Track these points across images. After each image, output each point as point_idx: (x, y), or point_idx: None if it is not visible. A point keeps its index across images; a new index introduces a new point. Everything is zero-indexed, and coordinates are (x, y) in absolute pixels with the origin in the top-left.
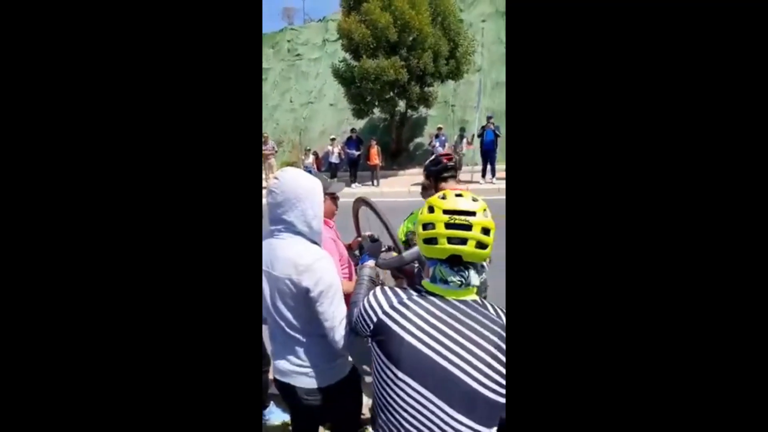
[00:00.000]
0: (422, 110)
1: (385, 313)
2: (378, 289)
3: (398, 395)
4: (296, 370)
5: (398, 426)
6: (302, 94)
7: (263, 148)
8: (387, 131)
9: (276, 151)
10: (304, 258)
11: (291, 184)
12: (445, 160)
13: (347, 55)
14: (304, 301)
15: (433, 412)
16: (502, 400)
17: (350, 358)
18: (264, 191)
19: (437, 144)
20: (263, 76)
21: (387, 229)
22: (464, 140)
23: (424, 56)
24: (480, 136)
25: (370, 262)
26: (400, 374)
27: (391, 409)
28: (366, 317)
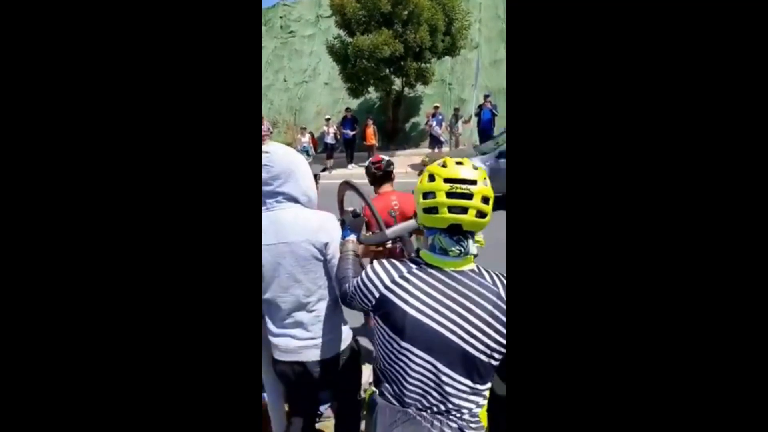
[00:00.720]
0: (419, 89)
1: (387, 287)
2: (376, 263)
3: (403, 362)
4: (304, 345)
5: (403, 387)
6: (296, 72)
7: None
8: (383, 110)
9: (271, 132)
10: (314, 219)
11: (282, 157)
12: (374, 169)
13: (341, 32)
14: (322, 260)
15: (435, 375)
16: (495, 363)
17: (349, 327)
18: None
19: (434, 123)
20: None
21: (372, 212)
22: (460, 120)
23: (421, 30)
24: (477, 114)
25: (352, 237)
26: (404, 344)
27: (396, 375)
28: (367, 292)
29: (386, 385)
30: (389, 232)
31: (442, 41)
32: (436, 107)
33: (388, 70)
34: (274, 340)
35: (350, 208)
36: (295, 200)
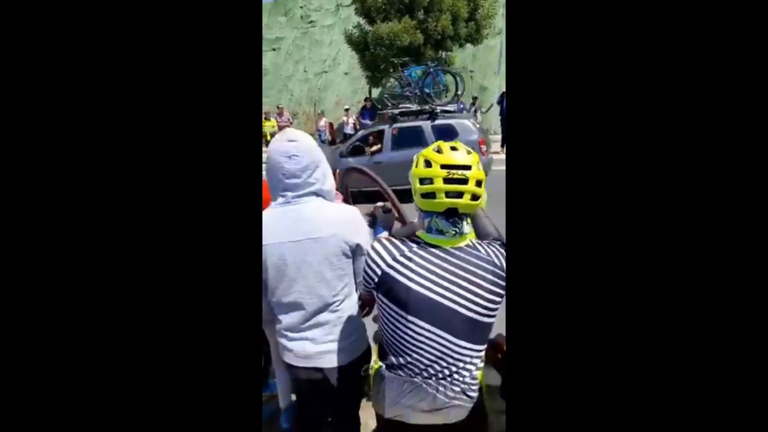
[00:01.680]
0: None
1: (389, 266)
2: (377, 243)
3: (409, 335)
4: (326, 349)
5: (408, 357)
6: (316, 63)
7: (278, 120)
8: None
9: (291, 123)
10: (342, 214)
11: (310, 145)
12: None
13: (361, 20)
14: (351, 255)
15: (439, 343)
16: (492, 321)
17: (367, 339)
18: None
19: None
20: (277, 46)
21: (392, 201)
22: (478, 110)
23: (442, 18)
24: (500, 103)
25: (384, 234)
26: (409, 317)
27: (402, 347)
28: (370, 271)
29: (392, 358)
30: (417, 223)
31: (465, 27)
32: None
33: (407, 59)
34: (289, 344)
35: (380, 204)
36: (318, 193)
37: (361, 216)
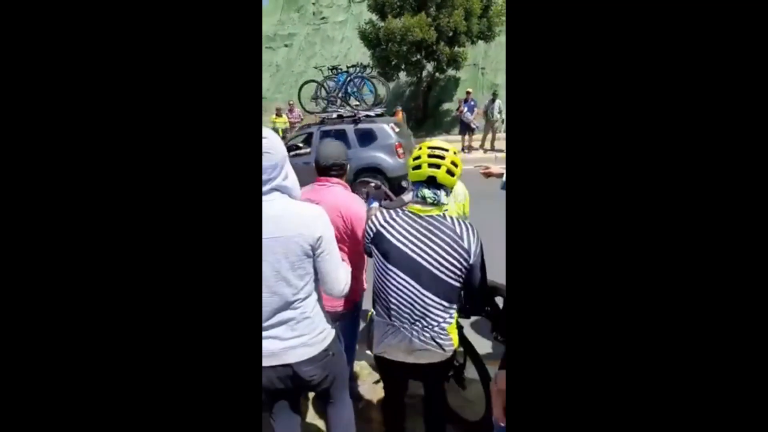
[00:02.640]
0: (450, 73)
1: (381, 225)
2: (377, 211)
3: (388, 281)
4: (290, 345)
5: (389, 303)
6: (327, 59)
7: (289, 116)
8: (413, 96)
9: (302, 119)
10: (307, 212)
11: (279, 143)
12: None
13: (373, 16)
14: (314, 254)
15: (410, 291)
16: (457, 284)
17: (333, 330)
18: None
19: (466, 109)
20: (289, 42)
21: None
22: (497, 103)
23: (455, 14)
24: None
25: (375, 204)
26: (389, 266)
27: (384, 291)
28: (368, 230)
29: (378, 304)
30: (407, 198)
31: (478, 24)
32: (468, 92)
33: (419, 55)
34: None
35: (372, 183)
36: (286, 191)
37: (326, 214)
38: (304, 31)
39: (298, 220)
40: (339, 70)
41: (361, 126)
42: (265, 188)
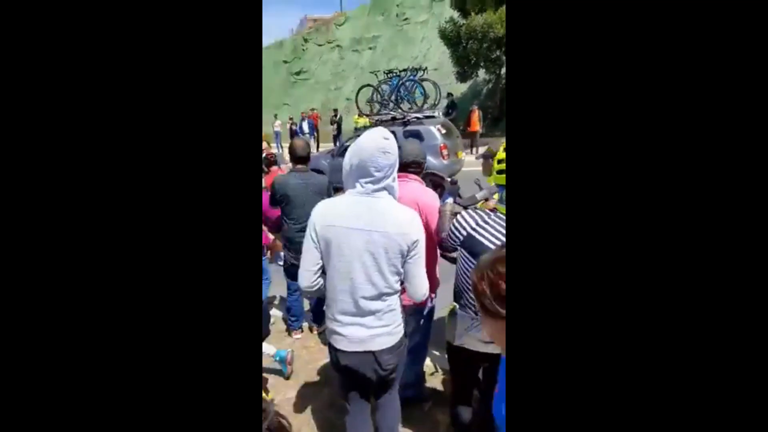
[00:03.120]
0: None
1: (473, 228)
2: (464, 212)
3: None
4: (376, 333)
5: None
6: (407, 60)
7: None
8: (490, 95)
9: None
10: (405, 213)
11: (395, 146)
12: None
13: (455, 14)
14: (408, 255)
15: None
16: None
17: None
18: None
19: None
20: (373, 45)
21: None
22: None
23: None
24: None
25: (450, 200)
26: None
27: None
28: (457, 232)
29: (463, 299)
30: (478, 195)
31: None
32: None
33: (498, 51)
34: (341, 329)
35: (449, 179)
36: (391, 192)
37: (419, 218)
38: (388, 34)
39: (402, 220)
40: (393, 74)
41: (409, 128)
42: (377, 186)
